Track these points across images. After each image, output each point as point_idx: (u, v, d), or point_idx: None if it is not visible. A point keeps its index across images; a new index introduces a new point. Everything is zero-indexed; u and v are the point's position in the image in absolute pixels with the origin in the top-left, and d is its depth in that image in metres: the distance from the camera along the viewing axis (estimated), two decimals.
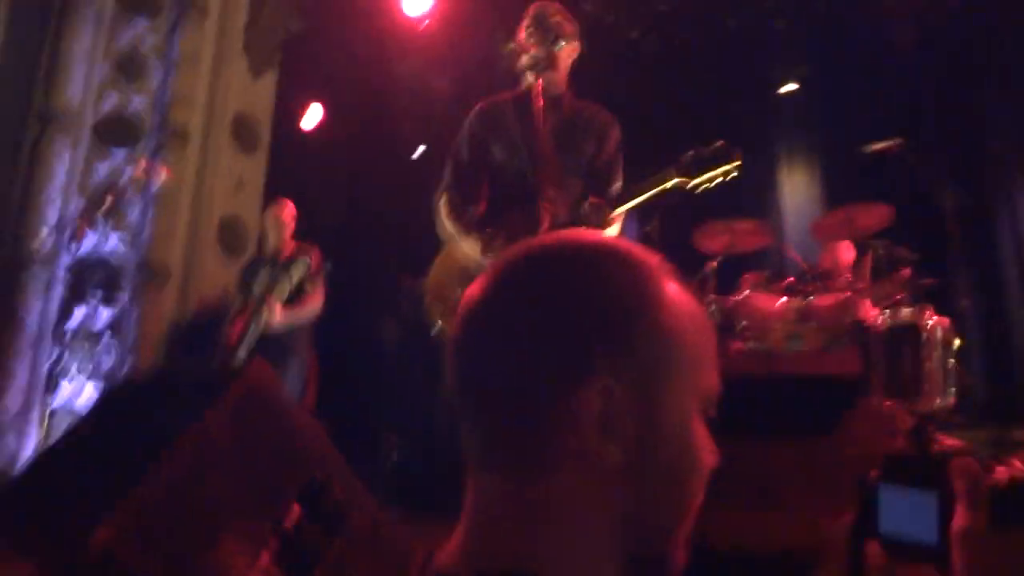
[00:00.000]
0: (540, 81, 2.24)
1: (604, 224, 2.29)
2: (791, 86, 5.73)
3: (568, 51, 2.60)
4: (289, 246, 4.16)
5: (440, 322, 2.59)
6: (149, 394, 1.42)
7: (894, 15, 4.97)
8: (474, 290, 0.63)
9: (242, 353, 3.64)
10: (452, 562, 0.57)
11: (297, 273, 3.72)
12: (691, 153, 2.22)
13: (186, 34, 5.07)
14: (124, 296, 4.60)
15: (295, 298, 3.82)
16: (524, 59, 2.53)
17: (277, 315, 3.69)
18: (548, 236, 0.69)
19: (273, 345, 3.69)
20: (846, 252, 4.42)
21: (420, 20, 5.37)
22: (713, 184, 2.22)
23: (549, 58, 2.46)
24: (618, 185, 2.50)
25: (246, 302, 3.89)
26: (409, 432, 4.50)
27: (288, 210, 4.28)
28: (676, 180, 2.21)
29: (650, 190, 2.25)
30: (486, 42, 2.74)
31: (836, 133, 5.58)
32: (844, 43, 5.31)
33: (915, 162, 4.08)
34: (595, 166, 2.56)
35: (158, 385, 1.49)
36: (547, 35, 2.45)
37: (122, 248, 4.70)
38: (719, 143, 2.21)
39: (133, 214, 4.73)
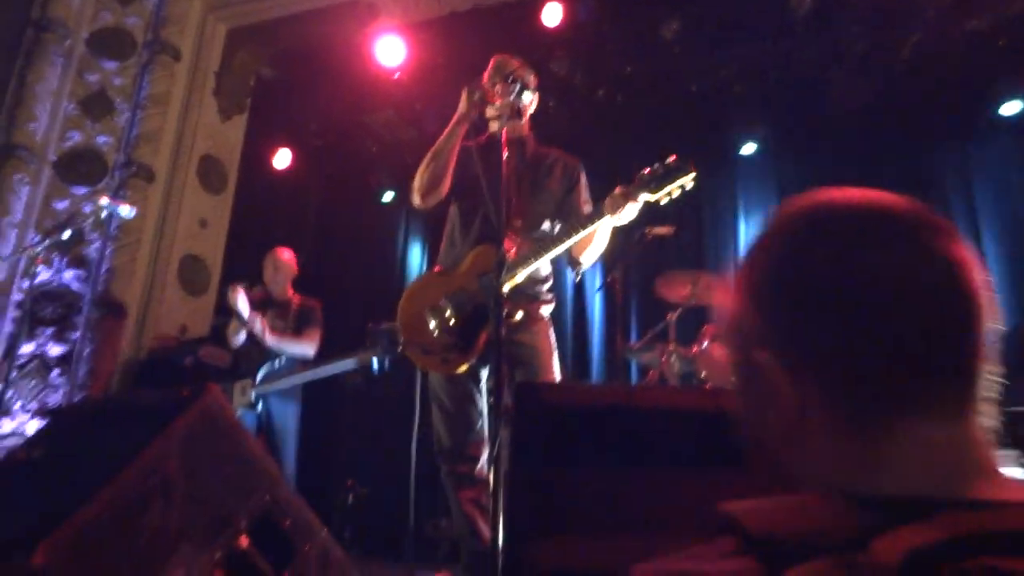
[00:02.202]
0: (505, 129, 2.31)
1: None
2: (751, 145, 5.95)
3: (531, 101, 2.70)
4: (292, 295, 4.24)
5: (416, 362, 2.58)
6: (100, 418, 1.39)
7: (847, 81, 5.24)
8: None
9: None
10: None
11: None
12: (649, 169, 2.29)
13: (157, 76, 5.11)
14: (76, 333, 4.49)
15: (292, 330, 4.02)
16: (490, 109, 2.62)
17: (267, 333, 3.84)
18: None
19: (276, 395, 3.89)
20: None
21: (392, 71, 5.49)
22: (674, 196, 2.29)
23: (514, 109, 2.53)
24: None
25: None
26: (367, 476, 4.41)
27: (289, 257, 4.32)
28: (642, 193, 2.27)
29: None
30: (455, 94, 2.83)
31: (792, 192, 5.79)
32: (800, 106, 5.57)
33: None
34: (569, 205, 2.62)
35: (109, 409, 1.46)
36: (512, 87, 2.53)
37: (77, 284, 4.60)
38: (673, 157, 2.29)
39: (91, 250, 4.66)
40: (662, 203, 2.30)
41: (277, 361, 3.93)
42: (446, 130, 2.58)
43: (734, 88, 5.64)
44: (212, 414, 1.31)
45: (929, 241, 0.64)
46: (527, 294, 2.51)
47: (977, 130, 5.37)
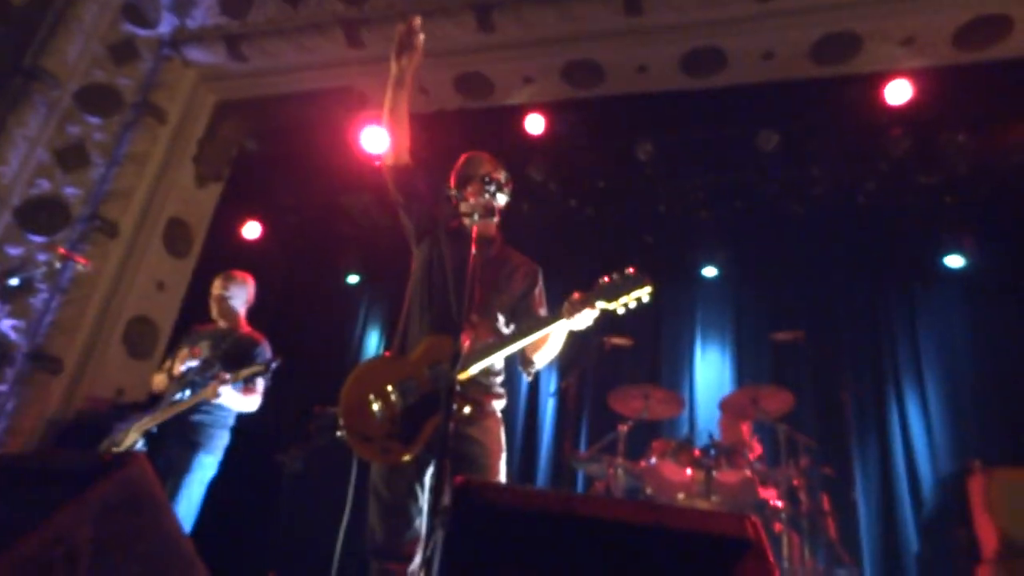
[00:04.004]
0: (476, 227, 2.35)
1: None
2: (711, 268, 6.14)
3: (504, 202, 2.76)
4: (244, 326, 3.87)
5: (355, 449, 2.47)
6: (8, 476, 1.30)
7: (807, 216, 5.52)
8: None
9: (160, 420, 3.33)
10: None
11: (258, 367, 3.49)
12: (608, 278, 2.32)
13: (139, 135, 5.14)
14: (4, 386, 4.27)
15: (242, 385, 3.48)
16: (463, 206, 2.67)
17: (223, 395, 3.37)
18: None
19: (195, 428, 3.43)
20: (747, 431, 4.57)
21: (375, 158, 5.61)
22: (631, 307, 2.30)
23: (488, 208, 2.59)
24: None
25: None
26: (292, 568, 4.16)
27: (250, 285, 3.98)
28: (598, 301, 2.29)
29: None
30: (436, 185, 2.90)
31: (748, 318, 5.96)
32: (761, 236, 5.81)
33: (816, 353, 4.34)
34: (524, 307, 2.64)
35: (20, 468, 1.36)
36: (487, 187, 2.58)
37: (14, 334, 4.42)
38: (631, 269, 2.32)
39: (37, 300, 4.51)
40: (619, 313, 2.33)
41: (181, 393, 3.44)
42: (387, 95, 2.66)
43: (700, 213, 5.88)
44: (135, 485, 1.24)
45: None
46: (479, 385, 2.47)
47: (924, 276, 5.63)
